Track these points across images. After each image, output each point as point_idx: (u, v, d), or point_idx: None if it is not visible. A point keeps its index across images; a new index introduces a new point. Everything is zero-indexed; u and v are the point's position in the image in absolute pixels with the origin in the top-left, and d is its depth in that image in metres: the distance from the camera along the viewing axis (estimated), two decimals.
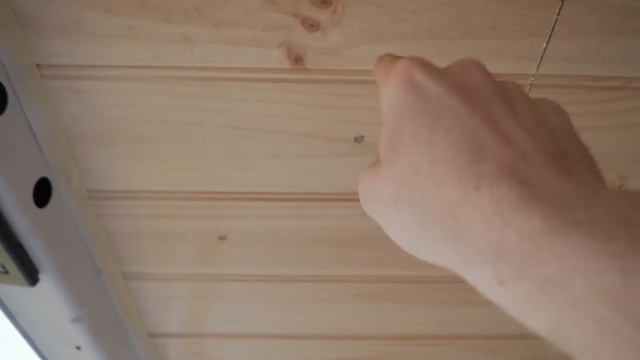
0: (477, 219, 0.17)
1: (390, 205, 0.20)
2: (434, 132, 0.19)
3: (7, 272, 0.43)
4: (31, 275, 0.45)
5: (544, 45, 0.37)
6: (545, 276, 0.15)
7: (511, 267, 0.16)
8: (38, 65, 0.37)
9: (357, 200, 0.47)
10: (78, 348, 0.56)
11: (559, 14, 0.36)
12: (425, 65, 0.21)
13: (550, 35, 0.37)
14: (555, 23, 0.36)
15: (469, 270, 0.18)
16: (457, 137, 0.18)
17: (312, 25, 0.35)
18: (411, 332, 0.64)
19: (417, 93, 0.20)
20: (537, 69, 0.39)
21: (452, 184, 0.18)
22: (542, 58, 0.38)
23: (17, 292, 0.48)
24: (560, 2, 0.35)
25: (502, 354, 0.67)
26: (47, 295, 0.48)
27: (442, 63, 0.38)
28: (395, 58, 0.24)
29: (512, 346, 0.66)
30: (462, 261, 0.18)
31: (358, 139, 0.42)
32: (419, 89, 0.20)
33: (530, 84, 0.39)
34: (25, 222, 0.41)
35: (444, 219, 0.18)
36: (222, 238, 0.50)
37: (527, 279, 0.15)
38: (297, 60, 0.37)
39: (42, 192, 0.43)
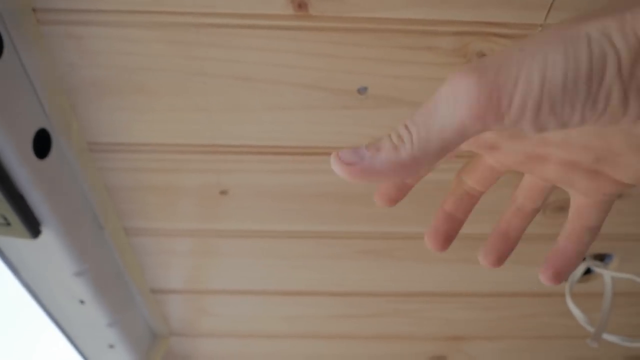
0: None
1: None
2: None
3: (8, 224, 0.43)
4: (33, 227, 0.45)
5: None
6: None
7: None
8: (34, 10, 0.36)
9: None
10: (82, 302, 0.56)
11: None
12: None
13: None
14: None
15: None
16: None
17: None
18: (412, 290, 0.64)
19: None
20: (545, 19, 0.38)
21: None
22: (550, 7, 0.37)
23: (20, 245, 0.48)
24: None
25: (499, 311, 0.68)
26: (50, 248, 0.48)
27: (446, 12, 0.37)
28: None
29: (509, 303, 0.67)
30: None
31: (361, 91, 0.42)
32: None
33: None
34: (26, 173, 0.41)
35: None
36: (223, 193, 0.50)
37: None
38: (301, 6, 0.36)
39: (42, 144, 0.43)
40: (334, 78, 0.41)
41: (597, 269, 0.60)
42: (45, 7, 0.36)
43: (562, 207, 0.54)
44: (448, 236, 0.28)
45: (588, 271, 0.63)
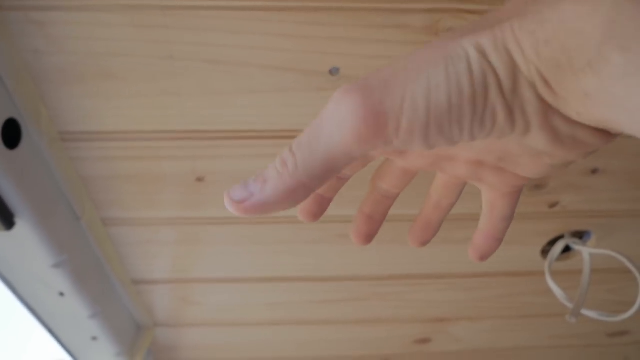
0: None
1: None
2: None
3: None
4: (6, 219, 0.44)
5: None
6: None
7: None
8: None
9: None
10: (61, 294, 0.56)
11: None
12: None
13: None
14: None
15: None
16: None
17: None
18: (393, 272, 0.65)
19: None
20: None
21: None
22: None
23: None
24: None
25: (481, 291, 0.69)
26: (26, 241, 0.48)
27: None
28: None
29: (490, 283, 0.68)
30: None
31: (333, 72, 0.41)
32: None
33: None
34: None
35: None
36: (199, 179, 0.50)
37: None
38: None
39: (12, 134, 0.42)
40: (305, 59, 0.40)
41: (576, 246, 0.61)
42: None
43: (538, 185, 0.54)
44: (369, 235, 0.29)
45: (567, 249, 0.64)
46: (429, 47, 0.20)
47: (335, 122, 0.19)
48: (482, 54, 0.18)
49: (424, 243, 0.31)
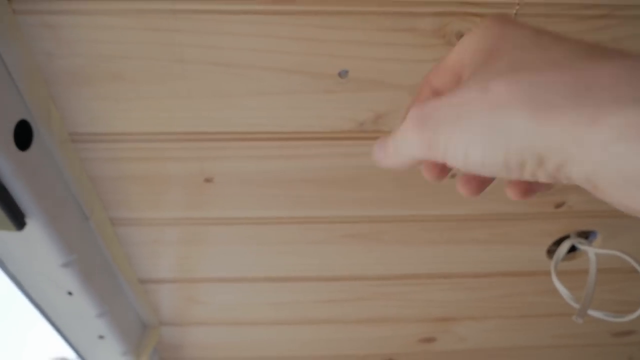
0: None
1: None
2: None
3: None
4: (18, 219, 0.44)
5: None
6: None
7: None
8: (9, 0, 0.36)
9: (342, 139, 0.47)
10: (70, 293, 0.56)
11: None
12: None
13: None
14: None
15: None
16: None
17: None
18: (398, 272, 0.65)
19: None
20: None
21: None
22: None
23: (5, 237, 0.48)
24: None
25: (485, 291, 0.69)
26: (36, 240, 0.48)
27: None
28: None
29: (495, 283, 0.68)
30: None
31: (342, 74, 0.42)
32: None
33: (515, 13, 0.39)
34: (8, 164, 0.41)
35: None
36: (208, 180, 0.50)
37: None
38: None
39: (23, 135, 0.42)
40: (315, 62, 0.41)
41: (582, 246, 0.61)
42: None
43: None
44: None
45: (573, 249, 0.64)
46: (481, 106, 0.22)
47: (408, 140, 0.26)
48: (534, 156, 0.21)
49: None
